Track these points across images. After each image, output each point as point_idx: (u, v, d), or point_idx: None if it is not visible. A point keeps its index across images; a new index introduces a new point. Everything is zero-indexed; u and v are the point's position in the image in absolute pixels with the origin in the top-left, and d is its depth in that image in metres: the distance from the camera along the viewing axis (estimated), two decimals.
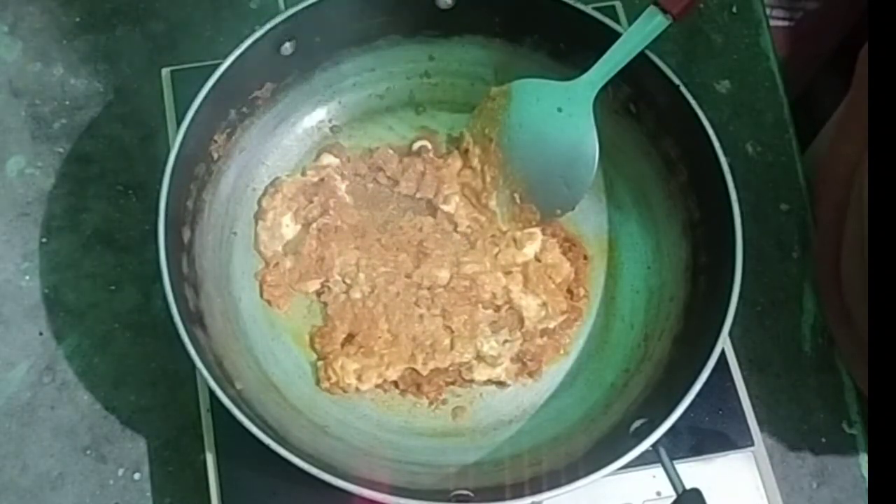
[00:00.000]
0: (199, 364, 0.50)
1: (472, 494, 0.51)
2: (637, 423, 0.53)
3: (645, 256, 0.62)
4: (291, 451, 0.49)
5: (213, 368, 0.51)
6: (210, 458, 0.55)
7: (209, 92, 0.55)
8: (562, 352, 0.60)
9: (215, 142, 0.58)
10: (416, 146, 0.64)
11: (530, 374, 0.59)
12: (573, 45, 0.61)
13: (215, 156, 0.59)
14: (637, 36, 0.56)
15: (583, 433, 0.56)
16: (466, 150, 0.63)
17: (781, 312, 0.65)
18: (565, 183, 0.60)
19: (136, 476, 0.58)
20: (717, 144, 0.56)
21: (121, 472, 0.58)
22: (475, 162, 0.62)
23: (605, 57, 0.57)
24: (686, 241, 0.60)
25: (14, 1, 0.70)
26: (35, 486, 0.57)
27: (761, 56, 0.73)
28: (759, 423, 0.58)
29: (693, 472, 0.55)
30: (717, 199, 0.56)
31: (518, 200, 0.61)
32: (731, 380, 0.58)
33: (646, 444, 0.50)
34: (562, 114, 0.59)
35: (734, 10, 0.75)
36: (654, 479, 0.56)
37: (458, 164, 0.63)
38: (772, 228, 0.67)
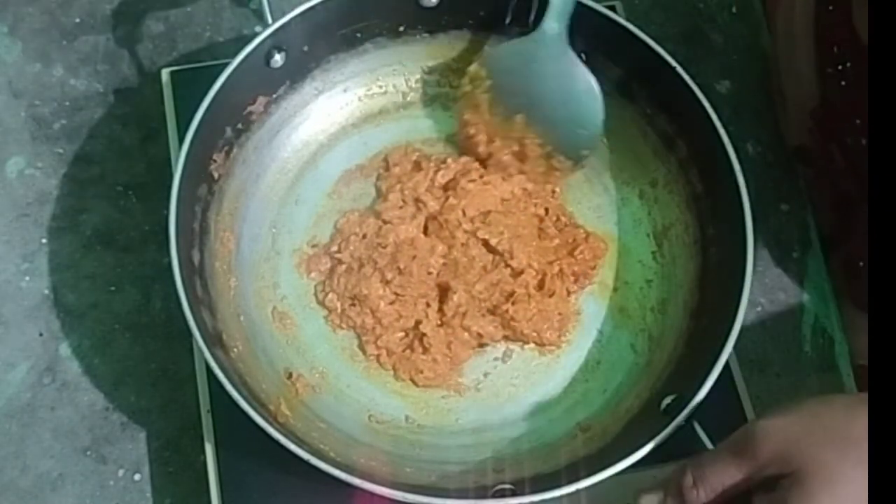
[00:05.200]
0: (228, 386, 0.50)
1: (512, 487, 0.52)
2: (667, 401, 0.54)
3: (650, 232, 0.63)
4: (326, 461, 0.49)
5: (241, 390, 0.50)
6: (210, 459, 0.55)
7: (205, 112, 0.56)
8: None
9: (214, 161, 0.59)
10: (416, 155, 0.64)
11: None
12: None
13: (216, 175, 0.59)
14: None
15: (612, 416, 0.57)
16: (470, 137, 0.63)
17: (781, 312, 0.65)
18: (578, 124, 0.60)
19: (137, 477, 0.58)
20: (714, 116, 0.57)
21: (121, 472, 0.58)
22: (482, 143, 0.63)
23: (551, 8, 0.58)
24: (691, 215, 0.61)
25: (14, 1, 0.70)
26: (35, 486, 0.57)
27: (761, 56, 0.73)
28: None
29: None
30: (720, 169, 0.57)
31: (543, 156, 0.62)
32: (732, 380, 0.59)
33: (680, 419, 0.51)
34: (538, 65, 0.59)
35: (734, 10, 0.75)
36: (654, 480, 0.56)
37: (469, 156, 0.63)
38: (772, 228, 0.67)
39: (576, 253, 0.61)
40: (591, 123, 0.60)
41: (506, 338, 0.59)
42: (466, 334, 0.58)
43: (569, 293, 0.61)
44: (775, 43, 0.70)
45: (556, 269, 0.60)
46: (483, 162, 0.63)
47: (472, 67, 0.62)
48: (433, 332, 0.58)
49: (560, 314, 0.60)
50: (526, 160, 0.62)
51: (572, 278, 0.61)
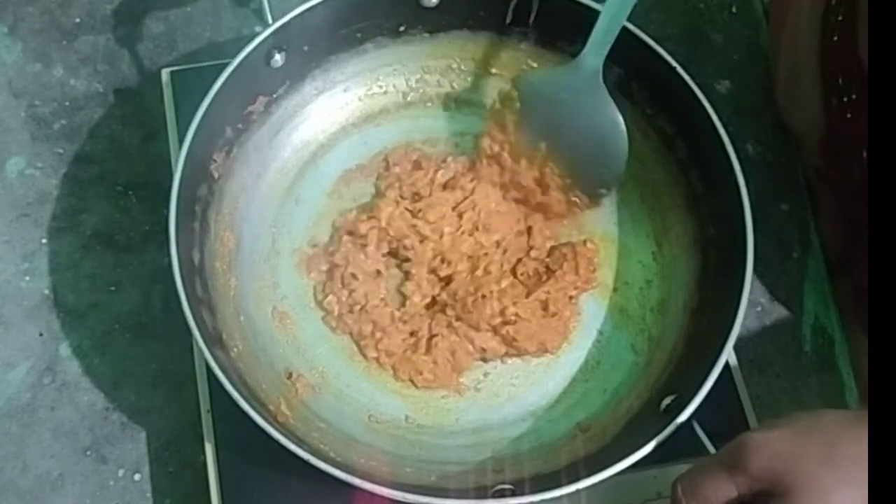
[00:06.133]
0: (228, 386, 0.50)
1: (512, 488, 0.52)
2: (667, 401, 0.54)
3: (650, 233, 0.63)
4: (326, 461, 0.49)
5: (241, 390, 0.50)
6: (210, 459, 0.55)
7: (206, 111, 0.56)
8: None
9: (215, 161, 0.59)
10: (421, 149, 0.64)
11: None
12: (560, 33, 0.62)
13: (216, 175, 0.59)
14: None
15: (612, 416, 0.57)
16: (494, 156, 0.62)
17: (781, 312, 0.65)
18: (601, 162, 0.59)
19: (137, 477, 0.58)
20: (714, 117, 0.57)
21: (121, 472, 0.58)
22: (506, 163, 0.62)
23: (594, 31, 0.56)
24: (691, 215, 0.61)
25: (14, 1, 0.70)
26: (35, 486, 0.57)
27: (761, 56, 0.73)
28: (760, 423, 0.58)
29: None
30: (719, 170, 0.57)
31: (561, 188, 0.61)
32: (732, 380, 0.59)
33: (680, 419, 0.51)
34: (569, 96, 0.58)
35: (734, 10, 0.75)
36: (654, 480, 0.56)
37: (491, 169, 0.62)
38: (772, 228, 0.67)
39: (570, 267, 0.60)
40: (614, 163, 0.59)
41: (507, 353, 0.59)
42: (470, 346, 0.58)
43: (571, 299, 0.60)
44: (779, 72, 0.69)
45: (558, 285, 0.60)
46: (503, 187, 0.62)
47: (505, 87, 0.62)
48: (439, 338, 0.58)
49: (560, 318, 0.60)
50: (547, 190, 0.61)
51: (574, 288, 0.60)
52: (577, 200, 0.61)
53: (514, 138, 0.61)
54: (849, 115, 0.59)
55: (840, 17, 0.59)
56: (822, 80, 0.62)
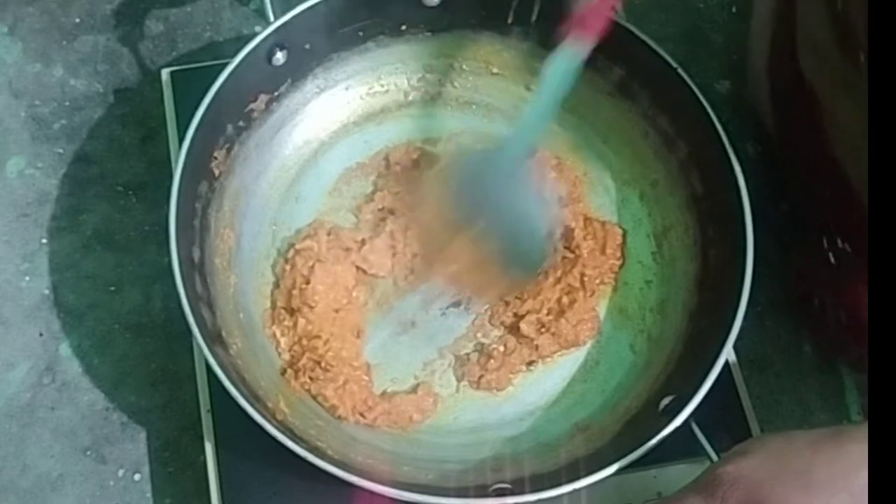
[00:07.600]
0: (227, 384, 0.50)
1: (510, 487, 0.52)
2: (666, 401, 0.54)
3: (650, 233, 0.63)
4: (324, 459, 0.49)
5: (239, 386, 0.51)
6: (210, 459, 0.55)
7: (207, 108, 0.56)
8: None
9: (215, 158, 0.59)
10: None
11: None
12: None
13: (216, 172, 0.59)
14: (555, 79, 0.53)
15: (610, 416, 0.57)
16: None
17: (781, 312, 0.65)
18: (527, 245, 0.58)
19: (137, 477, 0.58)
20: (713, 116, 0.58)
21: (121, 472, 0.58)
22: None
23: (525, 118, 0.56)
24: (691, 216, 0.61)
25: (14, 1, 0.70)
26: (35, 486, 0.57)
27: None
28: (760, 423, 0.58)
29: (693, 472, 0.55)
30: (720, 171, 0.57)
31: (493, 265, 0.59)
32: (732, 380, 0.59)
33: (678, 420, 0.51)
34: (496, 184, 0.57)
35: (734, 10, 0.75)
36: (654, 480, 0.56)
37: None
38: (772, 228, 0.67)
39: (605, 250, 0.61)
40: (538, 246, 0.58)
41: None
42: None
43: (593, 293, 0.60)
44: (749, 74, 0.69)
45: (578, 278, 0.60)
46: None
47: (435, 170, 0.61)
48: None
49: (583, 318, 0.60)
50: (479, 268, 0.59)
51: (597, 280, 0.61)
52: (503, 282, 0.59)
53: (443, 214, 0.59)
54: (792, 126, 0.59)
55: (785, 29, 0.59)
56: (771, 88, 0.62)
